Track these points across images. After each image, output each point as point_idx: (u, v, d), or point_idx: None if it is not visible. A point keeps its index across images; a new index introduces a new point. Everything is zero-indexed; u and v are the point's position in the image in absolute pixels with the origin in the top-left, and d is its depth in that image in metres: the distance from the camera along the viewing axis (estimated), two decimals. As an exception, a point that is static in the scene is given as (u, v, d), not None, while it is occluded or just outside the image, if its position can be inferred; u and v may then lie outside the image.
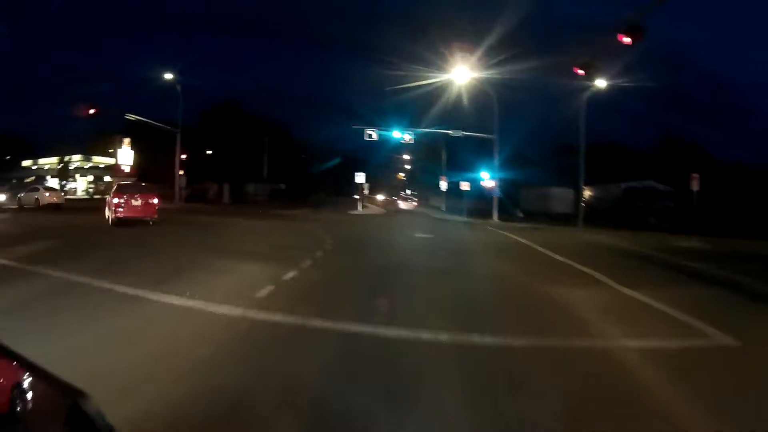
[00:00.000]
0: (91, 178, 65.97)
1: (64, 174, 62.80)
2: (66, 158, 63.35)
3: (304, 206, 45.64)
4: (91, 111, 31.36)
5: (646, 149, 62.19)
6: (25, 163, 68.17)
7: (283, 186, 73.76)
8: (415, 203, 68.08)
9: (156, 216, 19.18)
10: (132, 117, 37.60)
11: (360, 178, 49.78)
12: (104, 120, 43.81)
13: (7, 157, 63.81)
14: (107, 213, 19.18)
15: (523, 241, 18.03)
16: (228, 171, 59.12)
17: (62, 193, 35.92)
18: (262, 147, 59.35)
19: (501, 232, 23.23)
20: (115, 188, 20.44)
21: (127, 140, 38.34)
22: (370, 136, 37.10)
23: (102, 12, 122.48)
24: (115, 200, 18.31)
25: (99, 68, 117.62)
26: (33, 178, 62.42)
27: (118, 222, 17.92)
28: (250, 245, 13.75)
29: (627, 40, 13.94)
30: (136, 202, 18.51)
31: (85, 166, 66.71)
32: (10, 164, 65.01)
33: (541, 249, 14.90)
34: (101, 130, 56.20)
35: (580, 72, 17.30)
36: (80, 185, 67.06)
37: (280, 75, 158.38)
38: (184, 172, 45.67)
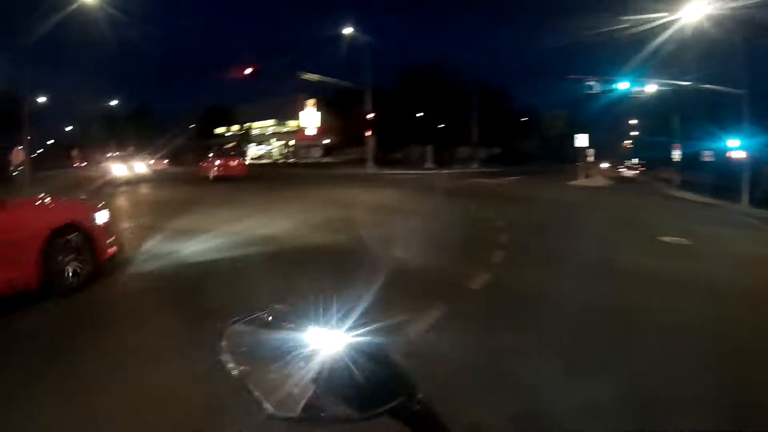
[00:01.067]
0: (292, 142, 68.30)
1: (246, 140, 66.37)
2: (246, 125, 66.12)
3: (515, 173, 40.40)
4: (248, 70, 30.37)
5: None
6: (219, 130, 72.32)
7: (497, 150, 68.93)
8: (636, 172, 59.37)
9: (246, 173, 25.72)
10: (312, 76, 36.34)
11: (582, 140, 42.45)
12: (310, 88, 43.53)
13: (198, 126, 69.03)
14: (207, 173, 25.33)
15: None
16: (433, 134, 56.58)
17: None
18: (470, 108, 55.07)
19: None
20: (212, 154, 27.70)
21: (311, 102, 37.65)
22: (590, 87, 30.40)
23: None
24: (216, 162, 25.10)
25: (284, 36, 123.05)
26: (233, 143, 68.11)
27: (217, 179, 23.75)
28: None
29: None
30: (232, 163, 25.56)
31: (282, 131, 69.56)
32: (206, 132, 69.94)
33: None
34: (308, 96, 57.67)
35: None
36: (255, 151, 69.39)
37: (486, 33, 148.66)
38: (380, 135, 44.23)
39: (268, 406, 0.89)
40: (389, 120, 47.57)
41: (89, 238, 6.08)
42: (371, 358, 0.90)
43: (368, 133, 39.36)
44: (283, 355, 0.92)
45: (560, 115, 71.13)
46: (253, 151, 73.12)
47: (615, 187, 34.33)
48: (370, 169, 38.74)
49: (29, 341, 4.31)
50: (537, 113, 74.91)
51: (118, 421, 3.05)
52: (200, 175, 26.25)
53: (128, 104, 71.98)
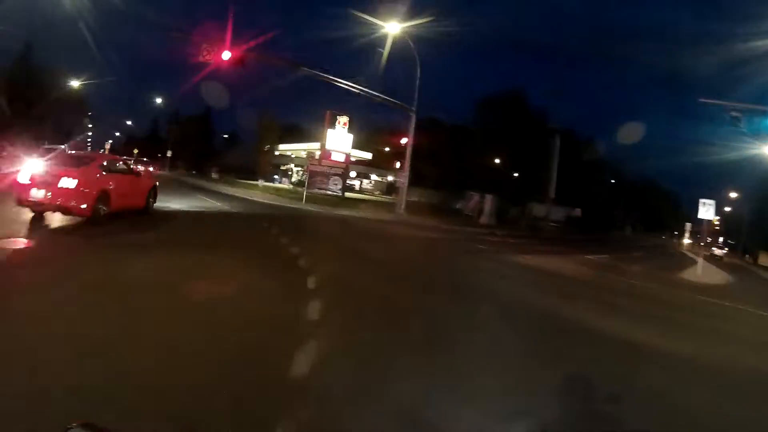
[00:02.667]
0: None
1: (268, 161, 59.50)
2: (267, 146, 60.48)
3: (598, 248, 28.26)
4: (226, 56, 20.77)
5: None
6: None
7: (578, 211, 56.30)
8: (723, 251, 51.11)
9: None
10: (339, 81, 26.25)
11: (708, 212, 23.09)
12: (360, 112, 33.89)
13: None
14: None
15: None
16: (501, 182, 44.93)
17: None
18: (548, 156, 43.15)
19: None
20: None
21: (344, 120, 28.17)
22: (736, 120, 19.12)
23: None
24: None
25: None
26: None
27: None
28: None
29: None
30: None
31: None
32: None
33: None
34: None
35: None
36: (297, 176, 64.17)
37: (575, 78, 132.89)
38: (437, 174, 33.72)
39: None
40: (452, 158, 36.73)
41: (155, 192, 14.92)
42: None
43: (398, 166, 28.65)
44: None
45: (595, 146, 57.14)
46: (296, 176, 66.43)
47: (743, 286, 21.69)
48: (397, 214, 28.02)
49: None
50: (630, 175, 61.77)
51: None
52: None
53: (196, 107, 75.67)
